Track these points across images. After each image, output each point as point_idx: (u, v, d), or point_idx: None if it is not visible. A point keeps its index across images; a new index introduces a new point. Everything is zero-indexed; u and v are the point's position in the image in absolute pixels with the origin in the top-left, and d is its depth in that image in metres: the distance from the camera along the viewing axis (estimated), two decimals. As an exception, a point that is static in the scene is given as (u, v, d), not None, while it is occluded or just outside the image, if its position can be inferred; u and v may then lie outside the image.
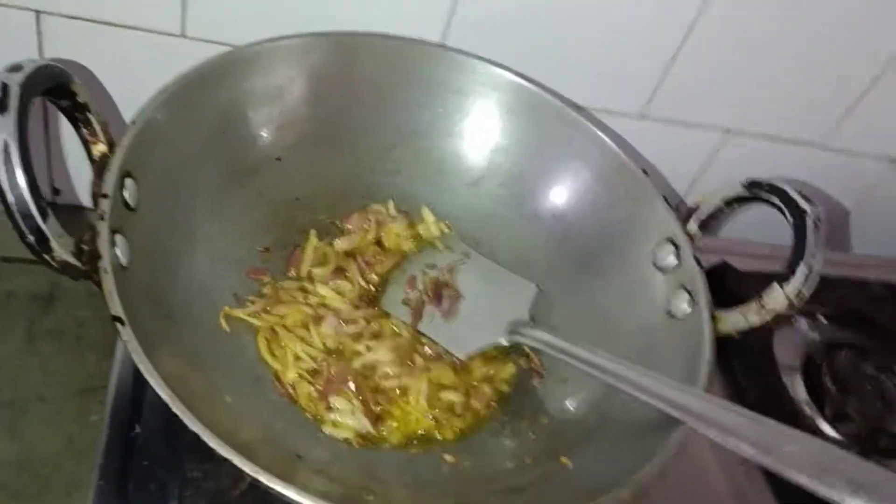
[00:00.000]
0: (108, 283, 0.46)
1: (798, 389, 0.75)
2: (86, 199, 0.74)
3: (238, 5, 0.65)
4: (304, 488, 0.43)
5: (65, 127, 0.70)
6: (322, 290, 0.64)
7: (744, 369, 0.73)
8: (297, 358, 0.60)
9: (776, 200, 0.60)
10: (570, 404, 0.62)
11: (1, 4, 0.62)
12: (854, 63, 0.78)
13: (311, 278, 0.65)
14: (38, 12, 0.63)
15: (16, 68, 0.45)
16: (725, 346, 0.59)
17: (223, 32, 0.66)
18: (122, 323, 0.45)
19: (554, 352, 0.60)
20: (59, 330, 0.70)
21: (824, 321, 0.81)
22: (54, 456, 0.63)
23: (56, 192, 0.77)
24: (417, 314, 0.64)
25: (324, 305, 0.63)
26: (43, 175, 0.75)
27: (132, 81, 0.60)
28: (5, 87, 0.43)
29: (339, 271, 0.65)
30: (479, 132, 0.71)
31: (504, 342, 0.64)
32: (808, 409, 0.73)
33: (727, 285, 0.74)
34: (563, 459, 0.56)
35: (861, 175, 0.89)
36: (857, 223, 0.96)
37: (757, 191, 0.61)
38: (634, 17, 0.71)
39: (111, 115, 0.67)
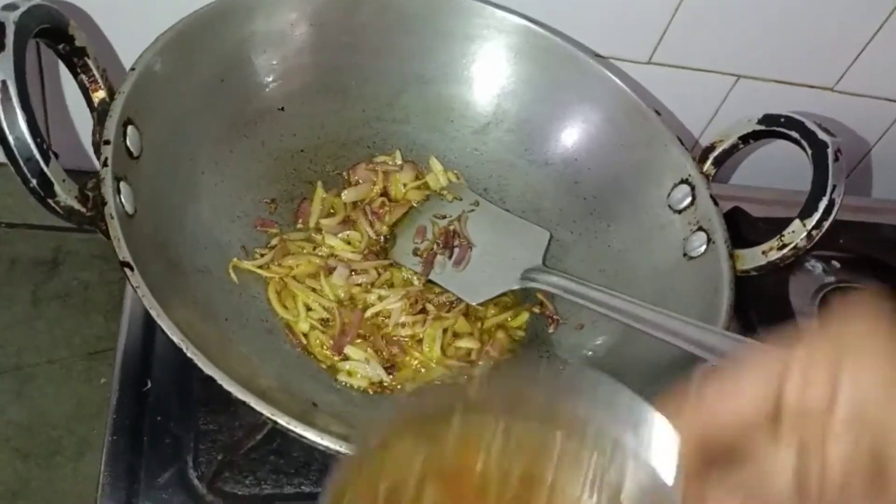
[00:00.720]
0: (115, 228, 0.45)
1: (814, 333, 0.74)
2: (84, 164, 0.72)
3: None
4: (324, 430, 0.42)
5: (62, 86, 0.69)
6: (331, 240, 0.62)
7: (760, 314, 0.72)
8: (309, 308, 0.59)
9: (794, 134, 0.58)
10: (587, 350, 0.61)
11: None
12: (864, 5, 0.76)
13: (319, 230, 0.64)
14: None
15: (11, 6, 0.43)
16: (741, 292, 0.58)
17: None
18: (131, 268, 0.44)
19: (570, 296, 0.59)
20: (65, 293, 0.69)
21: (838, 265, 0.80)
22: (64, 419, 0.62)
23: (55, 155, 0.75)
24: (429, 264, 0.63)
25: (333, 256, 0.62)
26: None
27: (132, 29, 0.58)
28: (2, 25, 0.42)
29: (348, 222, 0.64)
30: (486, 77, 0.69)
31: (516, 287, 0.62)
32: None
33: (740, 231, 0.73)
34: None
35: (876, 118, 0.88)
36: (866, 167, 0.94)
37: (773, 125, 0.60)
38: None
39: (111, 64, 0.66)
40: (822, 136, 0.57)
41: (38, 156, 0.42)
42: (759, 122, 0.61)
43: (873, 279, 0.80)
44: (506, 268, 0.63)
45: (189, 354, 0.42)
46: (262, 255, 0.60)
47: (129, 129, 0.51)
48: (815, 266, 0.79)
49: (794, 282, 0.76)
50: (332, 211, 0.65)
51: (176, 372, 0.56)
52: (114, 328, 0.65)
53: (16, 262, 0.70)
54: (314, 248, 0.62)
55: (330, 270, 0.60)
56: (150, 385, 0.55)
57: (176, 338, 0.42)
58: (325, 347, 0.57)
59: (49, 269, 0.71)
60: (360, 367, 0.56)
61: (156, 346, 0.57)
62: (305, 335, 0.58)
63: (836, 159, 0.56)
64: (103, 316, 0.68)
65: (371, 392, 0.56)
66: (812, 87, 0.83)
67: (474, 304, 0.61)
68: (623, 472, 0.32)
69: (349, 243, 0.63)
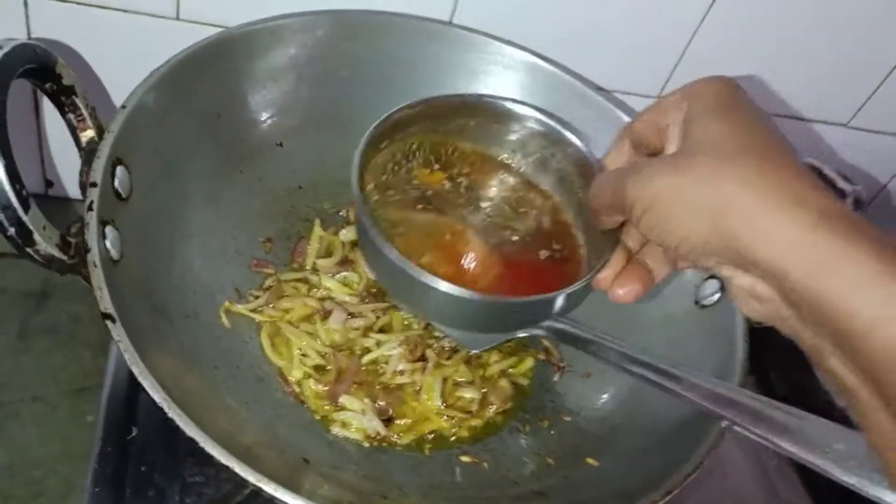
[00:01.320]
0: (98, 277, 0.43)
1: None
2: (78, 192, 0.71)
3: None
4: (311, 496, 0.40)
5: (57, 116, 0.67)
6: (328, 282, 0.60)
7: (773, 360, 0.70)
8: (304, 355, 0.56)
9: (811, 181, 0.56)
10: (594, 400, 0.58)
11: (-14, -14, 0.59)
12: (878, 44, 0.75)
13: (316, 270, 0.61)
14: (25, -6, 0.60)
15: (-8, 46, 0.41)
16: (753, 337, 0.55)
17: (219, 14, 0.63)
18: (112, 320, 0.42)
19: (574, 344, 0.56)
20: (53, 327, 0.67)
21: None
22: (48, 459, 0.60)
23: (49, 184, 0.74)
24: None
25: (330, 298, 0.59)
26: (35, 167, 0.72)
27: (125, 67, 0.57)
28: (-20, 66, 0.40)
29: (346, 262, 0.62)
30: (491, 114, 0.67)
31: (520, 334, 0.60)
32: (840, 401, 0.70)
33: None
34: (589, 460, 0.53)
35: (892, 155, 0.86)
36: (882, 202, 0.92)
37: (790, 171, 0.57)
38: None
39: (102, 103, 0.64)
40: (841, 183, 0.55)
41: (16, 203, 0.40)
42: (775, 166, 0.59)
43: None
44: None
45: (171, 415, 0.40)
46: (257, 298, 0.58)
47: (119, 169, 0.49)
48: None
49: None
50: (329, 250, 0.63)
51: (162, 419, 0.52)
52: (101, 363, 0.63)
53: (4, 294, 0.69)
54: (310, 290, 0.60)
55: (326, 314, 0.58)
56: (135, 433, 0.53)
57: (158, 397, 0.40)
58: (319, 396, 0.55)
59: (38, 302, 0.69)
60: (356, 419, 0.54)
61: (142, 390, 0.55)
62: (299, 383, 0.55)
63: (857, 207, 0.54)
64: (91, 351, 0.66)
65: (367, 445, 0.54)
66: (826, 122, 0.81)
67: (474, 351, 0.59)
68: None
69: (347, 285, 0.61)
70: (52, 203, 0.74)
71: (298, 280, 0.60)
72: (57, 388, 0.64)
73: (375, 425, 0.54)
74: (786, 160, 0.36)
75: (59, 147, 0.71)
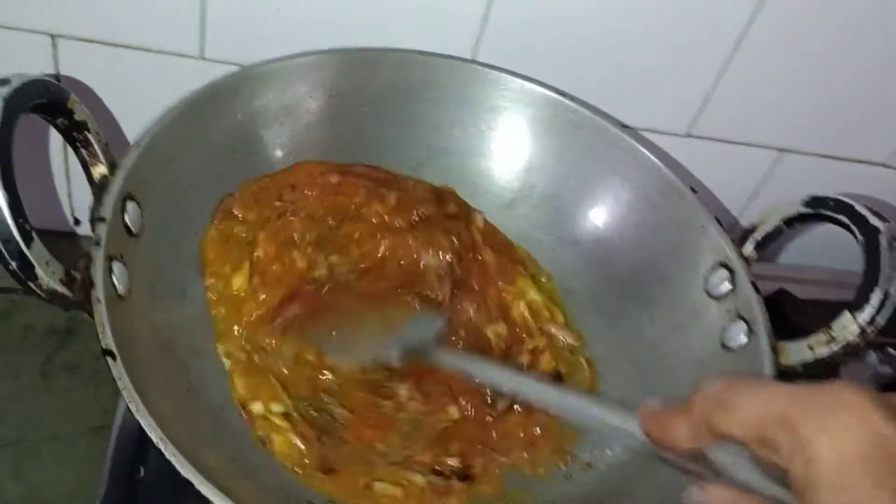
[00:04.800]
0: (101, 313, 0.42)
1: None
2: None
3: (258, 25, 0.62)
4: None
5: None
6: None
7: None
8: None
9: (843, 218, 0.54)
10: (608, 449, 0.56)
11: (16, 28, 0.61)
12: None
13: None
14: (53, 36, 0.61)
15: (2, 82, 0.41)
16: (786, 382, 0.53)
17: (243, 53, 0.63)
18: (113, 357, 0.41)
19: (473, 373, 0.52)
20: (75, 364, 0.67)
21: (895, 353, 0.74)
22: (63, 498, 0.60)
23: (76, 222, 0.74)
24: None
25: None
26: (63, 205, 0.72)
27: (150, 105, 0.57)
28: (-12, 103, 0.40)
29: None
30: (512, 151, 0.66)
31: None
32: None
33: (786, 315, 0.68)
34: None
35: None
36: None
37: (820, 208, 0.55)
38: (678, 30, 0.66)
39: (115, 137, 0.65)
40: (873, 220, 0.52)
41: (17, 237, 0.40)
42: (805, 204, 0.56)
43: (934, 369, 0.74)
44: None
45: (168, 455, 0.39)
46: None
47: (130, 204, 0.49)
48: (870, 354, 0.73)
49: (845, 373, 0.70)
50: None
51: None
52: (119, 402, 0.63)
53: (29, 330, 0.69)
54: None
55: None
56: (143, 473, 0.52)
57: (155, 436, 0.39)
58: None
59: (62, 339, 0.69)
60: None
61: (152, 429, 0.54)
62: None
63: (891, 247, 0.51)
64: (112, 389, 0.65)
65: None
66: (862, 161, 0.78)
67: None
68: None
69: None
70: (80, 241, 0.75)
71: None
72: (75, 426, 0.63)
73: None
74: None
75: (87, 185, 0.72)
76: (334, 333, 0.55)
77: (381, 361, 0.54)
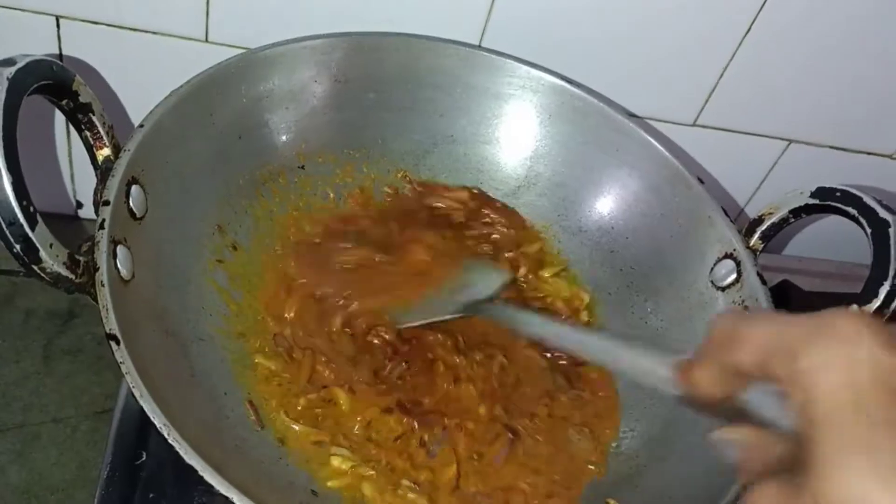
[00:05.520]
0: (105, 297, 0.42)
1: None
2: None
3: (262, 9, 0.62)
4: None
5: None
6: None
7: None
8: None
9: (851, 210, 0.53)
10: (620, 438, 0.56)
11: (21, 9, 0.60)
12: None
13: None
14: (58, 17, 0.61)
15: (8, 62, 0.41)
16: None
17: (248, 36, 0.63)
18: (116, 342, 0.41)
19: (518, 327, 0.54)
20: (77, 348, 0.67)
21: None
22: (64, 483, 0.60)
23: (79, 205, 0.74)
24: None
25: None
26: (65, 188, 0.72)
27: (154, 88, 0.57)
28: (-7, 80, 0.40)
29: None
30: (518, 138, 0.66)
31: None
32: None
33: (790, 306, 0.68)
34: (611, 501, 0.51)
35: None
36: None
37: (828, 200, 0.55)
38: (686, 19, 0.66)
39: (120, 120, 0.65)
40: (882, 213, 0.52)
41: (22, 219, 0.39)
42: (812, 195, 0.56)
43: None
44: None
45: (171, 440, 0.39)
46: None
47: (134, 188, 0.48)
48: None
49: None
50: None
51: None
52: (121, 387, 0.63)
53: (31, 314, 0.69)
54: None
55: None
56: (144, 458, 0.52)
57: (158, 421, 0.39)
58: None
59: (63, 323, 0.69)
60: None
61: (154, 415, 0.54)
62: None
63: (900, 238, 0.51)
64: (114, 373, 0.66)
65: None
66: (870, 153, 0.78)
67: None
68: None
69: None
70: (82, 224, 0.75)
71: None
72: (77, 410, 0.63)
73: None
74: None
75: (89, 168, 0.71)
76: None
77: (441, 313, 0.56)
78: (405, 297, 0.58)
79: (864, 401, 0.29)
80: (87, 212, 0.74)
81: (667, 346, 0.39)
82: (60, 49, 0.63)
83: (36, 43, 0.62)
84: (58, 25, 0.62)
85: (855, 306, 0.42)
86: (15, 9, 0.60)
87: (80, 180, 0.72)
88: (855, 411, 0.29)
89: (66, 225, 0.73)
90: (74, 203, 0.74)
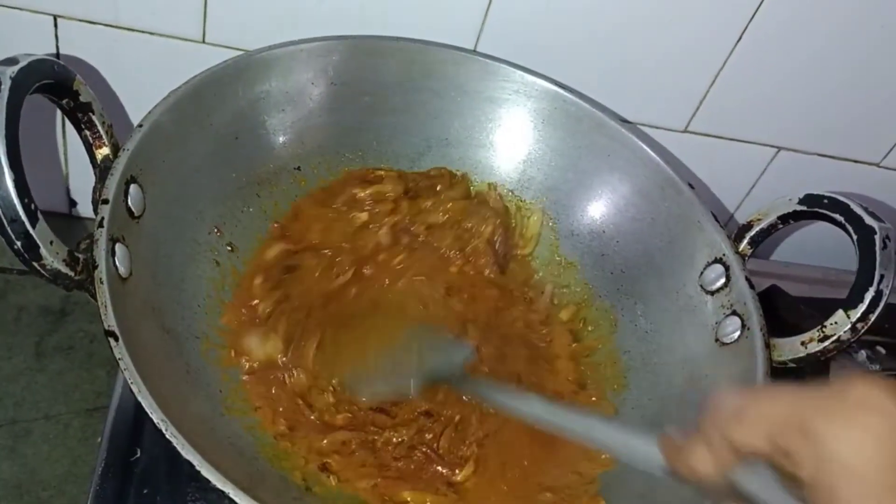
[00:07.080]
0: (104, 294, 0.42)
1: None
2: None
3: (259, 11, 0.62)
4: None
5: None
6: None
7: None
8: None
9: (838, 217, 0.54)
10: None
11: (18, 8, 0.60)
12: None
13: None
14: (55, 17, 0.61)
15: (10, 61, 0.42)
16: (776, 378, 0.54)
17: (245, 38, 0.63)
18: (115, 338, 0.41)
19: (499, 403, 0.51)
20: (69, 345, 0.68)
21: (884, 352, 0.75)
22: (56, 479, 0.60)
23: (73, 203, 0.74)
24: None
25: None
26: (59, 185, 0.72)
27: (150, 89, 0.57)
28: (-5, 79, 0.40)
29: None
30: (511, 143, 0.66)
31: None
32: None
33: (777, 311, 0.69)
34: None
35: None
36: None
37: (816, 206, 0.56)
38: (678, 26, 0.67)
39: (119, 119, 0.65)
40: (869, 220, 0.53)
41: (23, 216, 0.40)
42: (800, 201, 0.57)
43: (921, 368, 0.75)
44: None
45: (168, 436, 0.39)
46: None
47: (132, 187, 0.49)
48: (860, 353, 0.74)
49: (835, 369, 0.71)
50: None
51: (166, 441, 0.52)
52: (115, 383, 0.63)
53: (23, 311, 0.69)
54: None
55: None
56: (139, 454, 0.52)
57: (156, 417, 0.39)
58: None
59: (56, 320, 0.69)
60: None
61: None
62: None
63: (885, 247, 0.52)
64: (106, 370, 0.66)
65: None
66: (857, 161, 0.79)
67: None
68: None
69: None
70: (76, 222, 0.75)
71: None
72: (69, 407, 0.64)
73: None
74: None
75: (84, 166, 0.71)
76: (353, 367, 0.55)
77: (403, 393, 0.54)
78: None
79: (889, 468, 0.28)
80: (82, 210, 0.74)
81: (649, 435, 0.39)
82: (58, 48, 0.63)
83: (33, 42, 0.62)
84: (55, 25, 0.62)
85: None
86: (12, 7, 0.60)
87: (76, 179, 0.72)
88: (883, 486, 0.28)
89: (61, 223, 0.73)
90: (68, 201, 0.74)
